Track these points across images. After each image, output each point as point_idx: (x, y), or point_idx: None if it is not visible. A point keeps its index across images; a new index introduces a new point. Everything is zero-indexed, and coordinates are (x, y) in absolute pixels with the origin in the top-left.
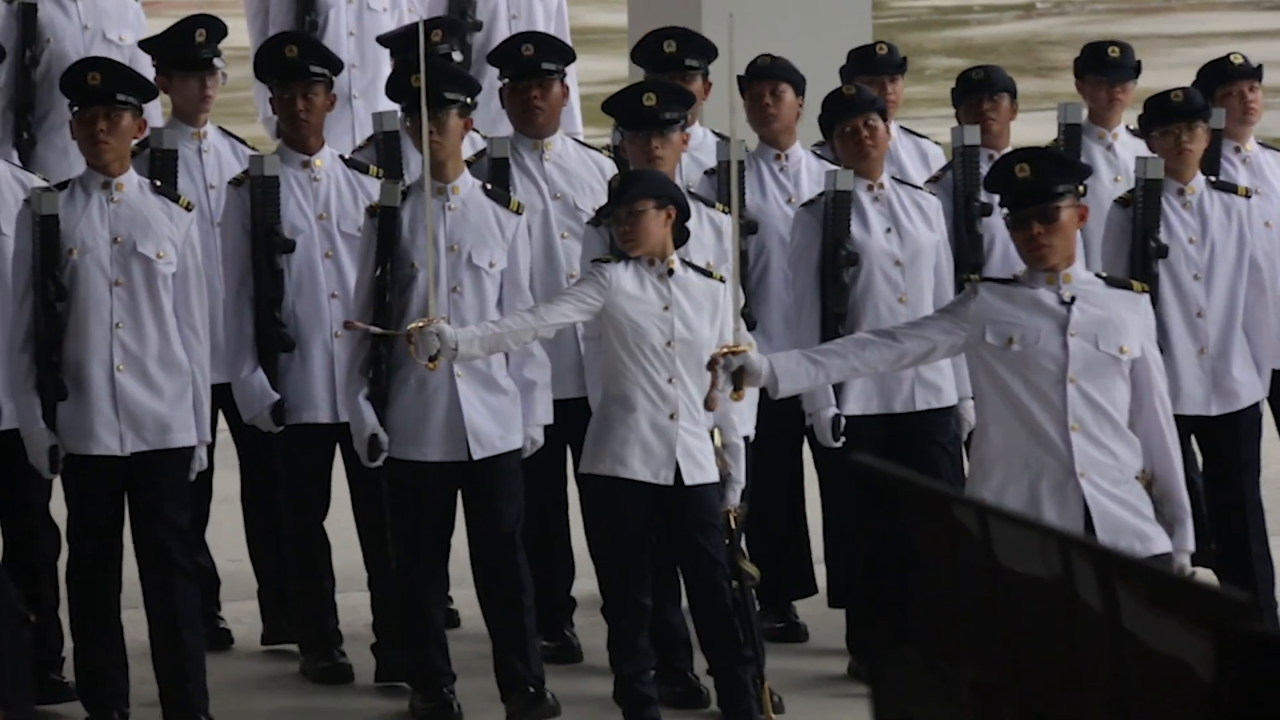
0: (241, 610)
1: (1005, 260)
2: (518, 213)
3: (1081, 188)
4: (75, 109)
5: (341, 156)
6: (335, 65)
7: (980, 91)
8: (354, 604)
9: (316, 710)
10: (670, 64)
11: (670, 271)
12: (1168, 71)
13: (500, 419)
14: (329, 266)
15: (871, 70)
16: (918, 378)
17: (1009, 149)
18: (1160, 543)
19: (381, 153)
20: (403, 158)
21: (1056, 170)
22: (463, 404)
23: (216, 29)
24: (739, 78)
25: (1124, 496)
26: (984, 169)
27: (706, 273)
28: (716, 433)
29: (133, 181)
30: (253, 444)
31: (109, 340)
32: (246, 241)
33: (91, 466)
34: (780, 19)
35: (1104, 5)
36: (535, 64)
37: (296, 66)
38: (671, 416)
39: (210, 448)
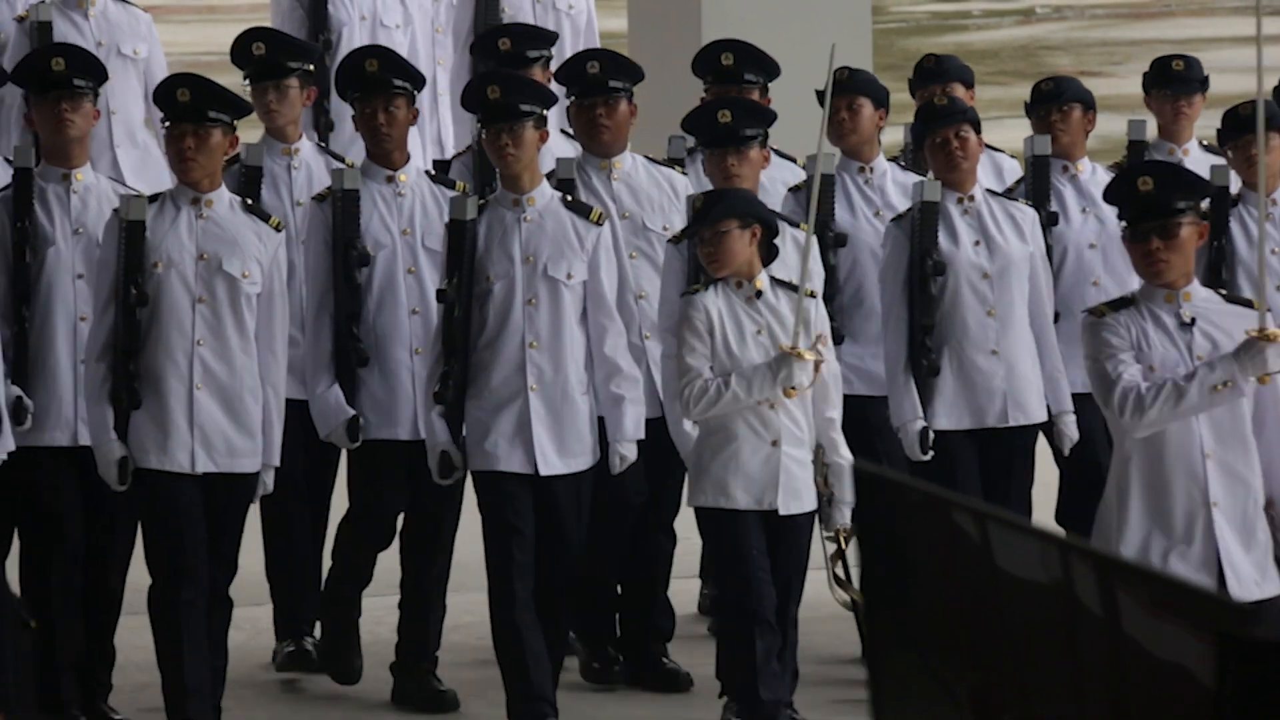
0: (243, 617)
1: (1077, 271)
2: (598, 223)
3: (1203, 205)
4: (165, 124)
5: (428, 172)
6: (417, 79)
7: (1050, 102)
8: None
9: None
10: (728, 76)
11: (759, 293)
12: None
13: (569, 438)
14: (410, 282)
15: (926, 81)
16: (1009, 393)
17: (1084, 158)
18: (1271, 585)
19: (477, 160)
20: (488, 171)
21: (1179, 186)
22: (533, 420)
23: (279, 41)
24: (817, 92)
25: (1254, 531)
26: (1057, 180)
27: (795, 289)
28: (819, 453)
29: (223, 199)
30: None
31: (189, 357)
32: (329, 257)
33: (163, 482)
34: (780, 24)
35: (1104, 10)
36: (602, 81)
37: (377, 80)
38: (774, 443)
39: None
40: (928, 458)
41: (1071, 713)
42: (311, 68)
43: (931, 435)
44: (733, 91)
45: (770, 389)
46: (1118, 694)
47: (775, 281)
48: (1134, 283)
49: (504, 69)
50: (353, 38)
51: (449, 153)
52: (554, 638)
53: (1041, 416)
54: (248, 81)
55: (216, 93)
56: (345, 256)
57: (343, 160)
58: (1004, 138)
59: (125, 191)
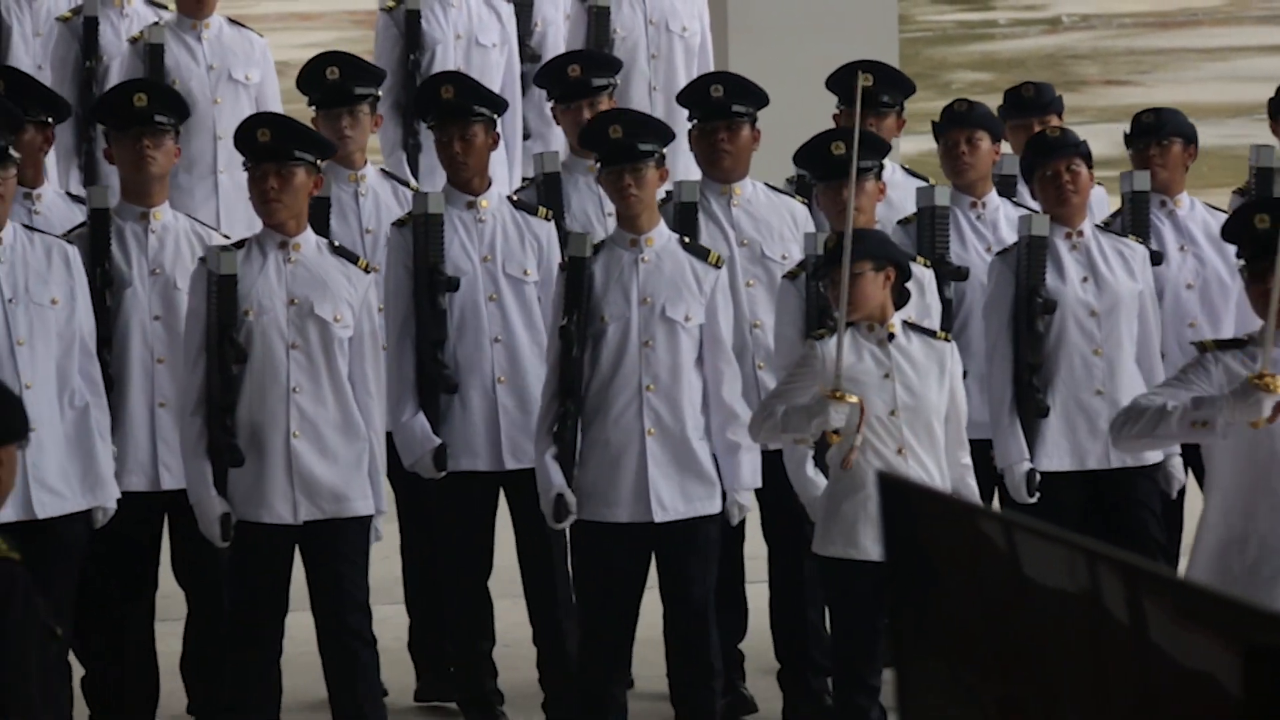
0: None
1: (1175, 311)
2: (717, 266)
3: None
4: (247, 166)
5: (510, 198)
6: (497, 104)
7: (1149, 136)
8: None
9: None
10: (864, 100)
11: (891, 336)
12: (1194, 86)
13: (688, 484)
14: (493, 310)
15: (1022, 113)
16: None
17: (1183, 194)
18: None
19: (542, 194)
20: (564, 199)
21: None
22: (649, 465)
23: (352, 66)
24: (933, 124)
25: None
26: (1155, 216)
27: (931, 333)
28: None
29: (310, 241)
30: (410, 492)
31: (285, 405)
32: (409, 282)
33: (263, 535)
34: (806, 34)
35: (1131, 19)
36: (725, 106)
37: (454, 107)
38: None
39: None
40: (1034, 500)
41: None
42: (380, 93)
43: (1038, 477)
44: (721, 126)
45: (804, 429)
46: (1144, 703)
47: (907, 325)
48: (1229, 324)
49: (622, 108)
50: (446, 56)
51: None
52: (703, 683)
53: (1154, 458)
54: (314, 107)
55: (299, 131)
56: (430, 281)
57: (408, 185)
58: None
59: (203, 231)
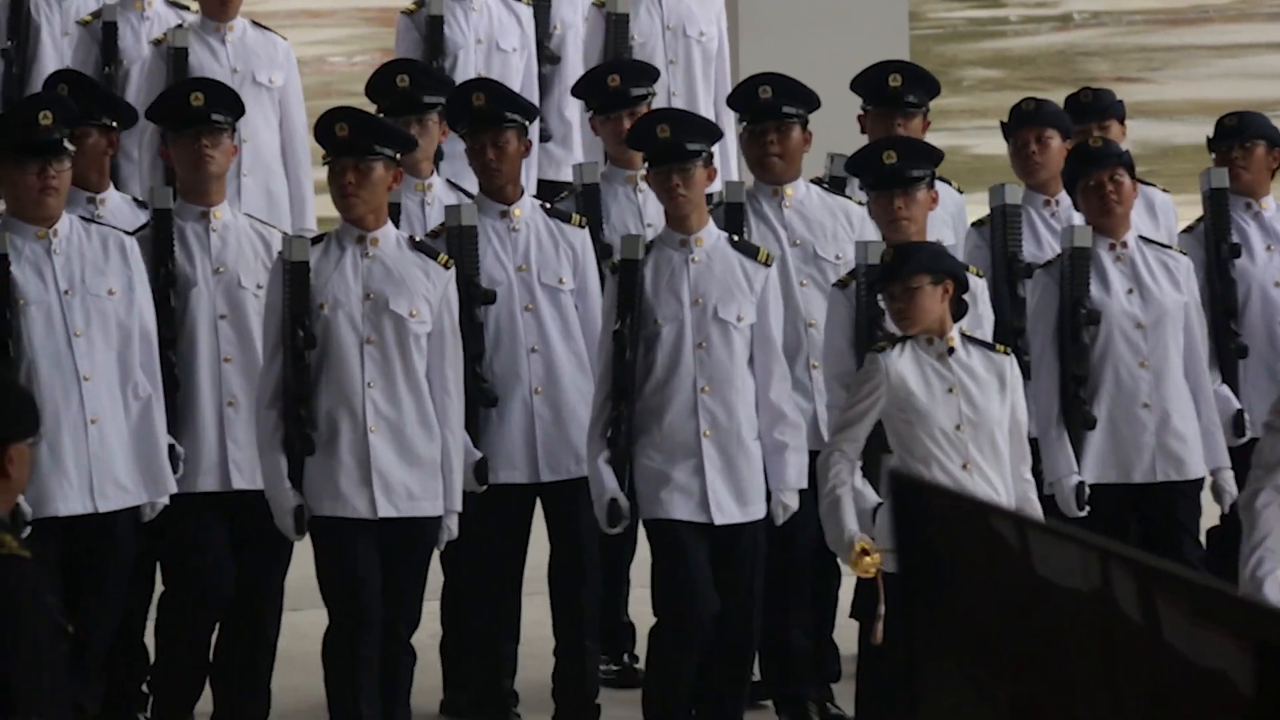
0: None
1: (1264, 309)
2: (766, 264)
3: None
4: (326, 160)
5: (544, 205)
6: (529, 111)
7: (1232, 138)
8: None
9: None
10: (890, 100)
11: (950, 350)
12: (1206, 83)
13: (745, 486)
14: (529, 320)
15: (1080, 118)
16: (1159, 447)
17: (1269, 196)
18: None
19: (581, 204)
20: (603, 208)
21: None
22: (706, 466)
23: (421, 74)
24: (1002, 124)
25: None
26: (1240, 217)
27: (990, 346)
28: None
29: (390, 236)
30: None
31: (361, 400)
32: None
33: (341, 529)
34: (816, 31)
35: (1142, 16)
36: (775, 107)
37: (486, 114)
38: None
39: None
40: (1083, 513)
41: (1111, 719)
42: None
43: (1087, 490)
44: (771, 127)
45: (833, 545)
46: (1157, 702)
47: (966, 338)
48: None
49: (670, 108)
50: (468, 61)
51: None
52: (737, 690)
53: (1199, 472)
54: (382, 114)
55: (377, 126)
56: (466, 294)
57: (472, 196)
58: None
59: (264, 229)
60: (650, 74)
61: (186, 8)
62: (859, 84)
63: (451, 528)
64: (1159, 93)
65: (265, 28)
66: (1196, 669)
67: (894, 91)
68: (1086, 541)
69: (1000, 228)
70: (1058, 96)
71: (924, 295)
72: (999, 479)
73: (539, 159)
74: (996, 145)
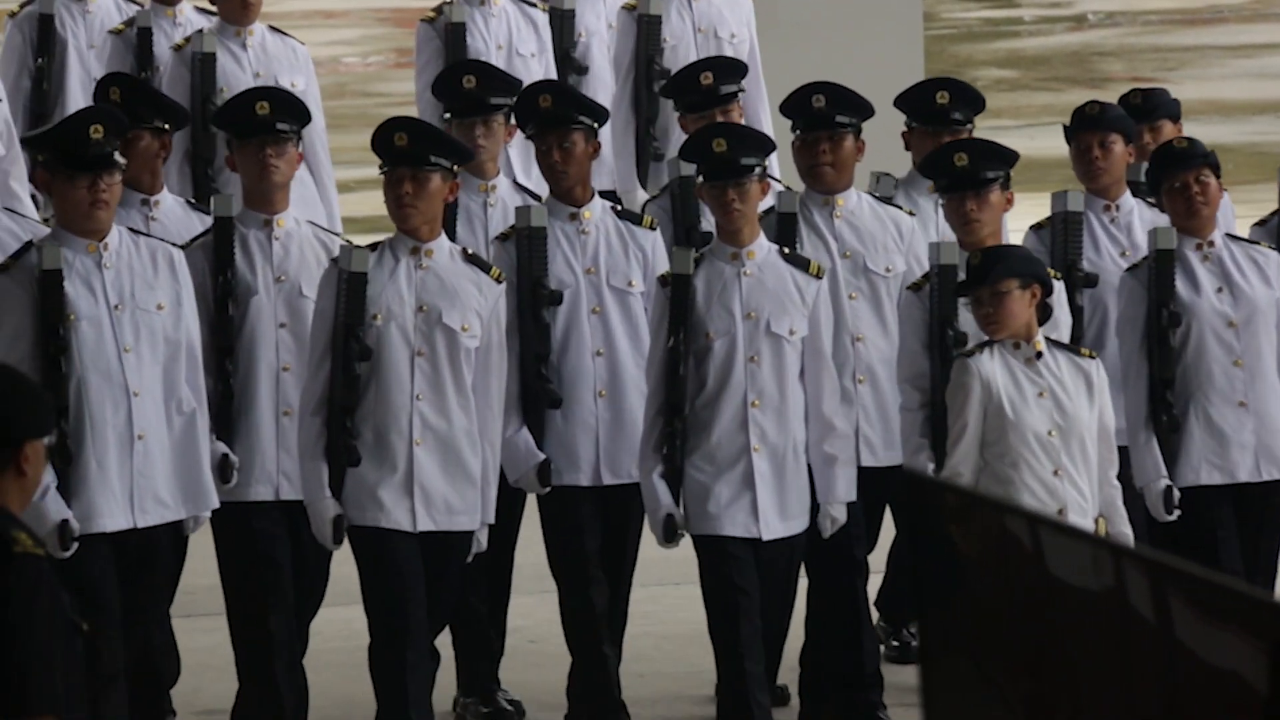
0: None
1: None
2: (818, 277)
3: None
4: (383, 170)
5: (613, 208)
6: (597, 113)
7: None
8: None
9: None
10: (938, 117)
11: (1038, 354)
12: (1221, 83)
13: (790, 500)
14: (595, 323)
15: (1084, 128)
16: (1260, 446)
17: None
18: None
19: (678, 200)
20: (698, 205)
21: None
22: (756, 481)
23: (488, 75)
24: (1064, 126)
25: None
26: None
27: (1075, 350)
28: (1101, 522)
29: (444, 248)
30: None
31: (409, 412)
32: (513, 297)
33: (383, 539)
34: (831, 31)
35: (1156, 16)
36: (827, 116)
37: (553, 116)
38: (1060, 511)
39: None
40: (1173, 518)
41: (1124, 718)
42: (513, 103)
43: (1176, 494)
44: (823, 136)
45: None
46: (1170, 699)
47: (1051, 342)
48: None
49: (727, 123)
50: None
51: (603, 185)
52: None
53: None
54: (449, 115)
55: (435, 136)
56: (533, 295)
57: (539, 198)
58: (1055, 144)
59: (326, 237)
60: (741, 71)
61: (216, 13)
62: (904, 102)
63: (481, 540)
64: (1174, 92)
65: (282, 32)
66: (1209, 667)
67: (941, 109)
68: (1099, 540)
69: (1061, 234)
70: (1073, 97)
71: (1012, 300)
72: (1086, 486)
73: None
74: (1010, 145)
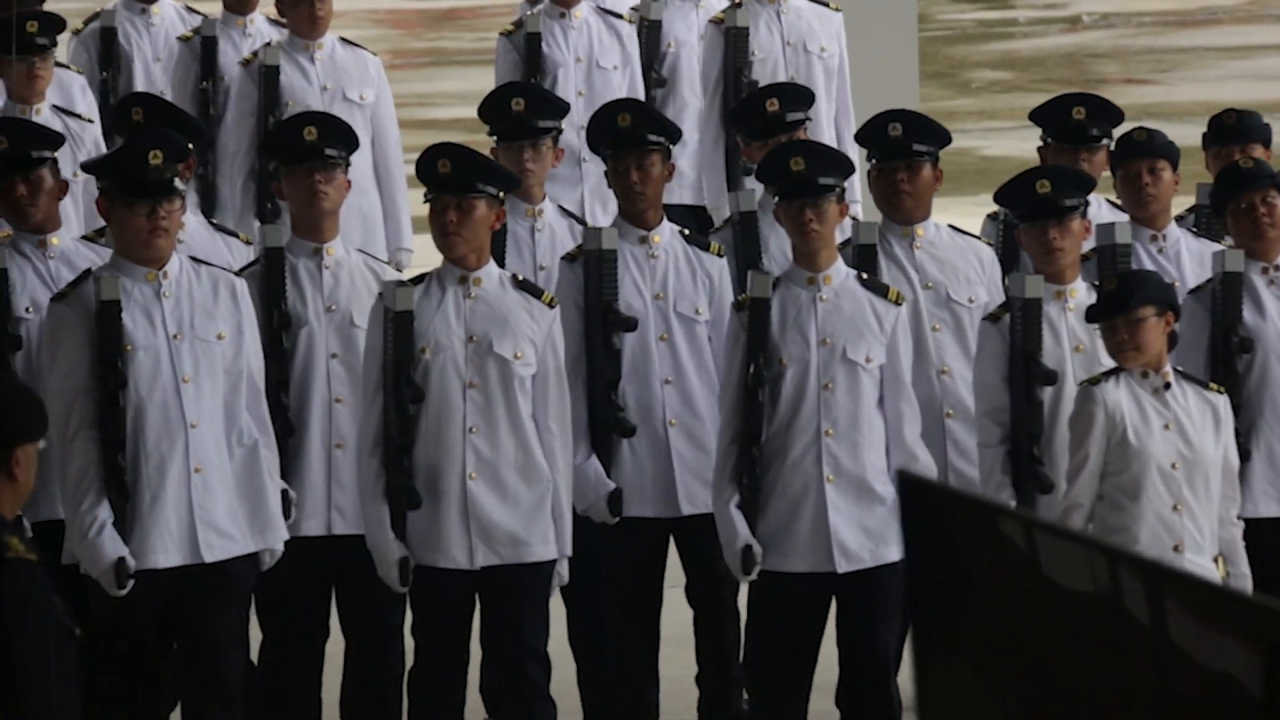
0: None
1: None
2: (897, 303)
3: None
4: (428, 198)
5: (682, 232)
6: (673, 133)
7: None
8: None
9: None
10: (1075, 134)
11: (1167, 385)
12: (1216, 84)
13: (873, 528)
14: (663, 350)
15: (1224, 139)
16: None
17: None
18: None
19: (739, 233)
20: (761, 239)
21: None
22: (830, 513)
23: (537, 98)
24: (1110, 153)
25: None
26: None
27: (1203, 383)
28: (1221, 562)
29: (492, 275)
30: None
31: (462, 446)
32: (580, 320)
33: (440, 580)
34: None
35: (1151, 18)
36: (905, 145)
37: (630, 136)
38: (1176, 548)
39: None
40: None
41: None
42: (563, 127)
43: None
44: (901, 166)
45: None
46: (1166, 703)
47: (1179, 373)
48: None
49: (805, 140)
50: (568, 80)
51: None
52: None
53: None
54: (495, 138)
55: (480, 163)
56: (604, 319)
57: (584, 222)
58: None
59: (377, 265)
60: (807, 99)
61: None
62: (1039, 117)
63: (563, 573)
64: (1168, 94)
65: (355, 44)
66: (1204, 670)
67: (1078, 124)
68: (1094, 544)
69: (1110, 265)
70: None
71: (1148, 327)
72: (1206, 524)
73: None
74: (1005, 147)
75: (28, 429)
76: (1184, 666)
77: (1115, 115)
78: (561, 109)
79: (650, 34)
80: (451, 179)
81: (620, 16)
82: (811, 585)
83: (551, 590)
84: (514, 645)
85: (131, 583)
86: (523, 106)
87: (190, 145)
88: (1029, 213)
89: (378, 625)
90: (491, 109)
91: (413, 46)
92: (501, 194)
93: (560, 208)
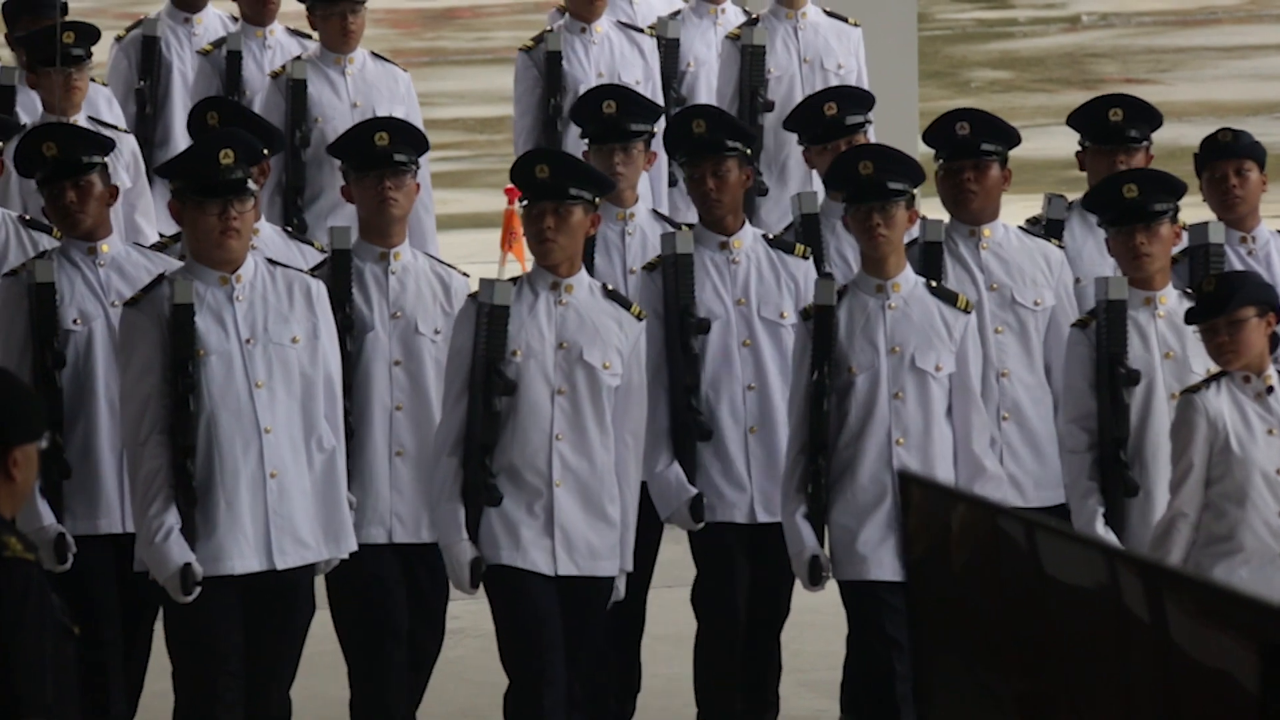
0: None
1: None
2: (966, 311)
3: None
4: (523, 203)
5: (765, 236)
6: (750, 140)
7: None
8: None
9: None
10: (1113, 135)
11: (1269, 389)
12: (1215, 84)
13: None
14: (746, 355)
15: (1218, 155)
16: None
17: None
18: None
19: (800, 236)
20: (824, 242)
21: None
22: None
23: (629, 100)
24: (1195, 155)
25: None
26: None
27: None
28: None
29: (584, 283)
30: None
31: (548, 452)
32: (660, 329)
33: (521, 580)
34: None
35: (1151, 18)
36: (972, 144)
37: (706, 142)
38: None
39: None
40: None
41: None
42: (655, 131)
43: None
44: (968, 165)
45: None
46: (1165, 701)
47: None
48: None
49: (873, 144)
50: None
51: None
52: None
53: None
54: (586, 140)
55: (577, 168)
56: (682, 324)
57: (678, 226)
58: (1048, 145)
59: (443, 271)
60: (867, 101)
61: (309, 36)
62: (1077, 119)
63: (620, 588)
64: (1168, 94)
65: (385, 59)
66: (1202, 668)
67: (1116, 126)
68: (1093, 543)
69: (1202, 267)
70: (1067, 99)
71: (1249, 329)
72: None
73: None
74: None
75: (27, 429)
76: (1182, 665)
77: (1153, 116)
78: (655, 112)
79: (669, 52)
80: (549, 184)
81: (641, 31)
82: (892, 590)
83: (608, 604)
84: (586, 656)
85: (198, 589)
86: (614, 109)
87: (265, 150)
88: (1115, 217)
89: (419, 641)
90: (583, 111)
91: (411, 46)
92: (596, 199)
93: (654, 211)
